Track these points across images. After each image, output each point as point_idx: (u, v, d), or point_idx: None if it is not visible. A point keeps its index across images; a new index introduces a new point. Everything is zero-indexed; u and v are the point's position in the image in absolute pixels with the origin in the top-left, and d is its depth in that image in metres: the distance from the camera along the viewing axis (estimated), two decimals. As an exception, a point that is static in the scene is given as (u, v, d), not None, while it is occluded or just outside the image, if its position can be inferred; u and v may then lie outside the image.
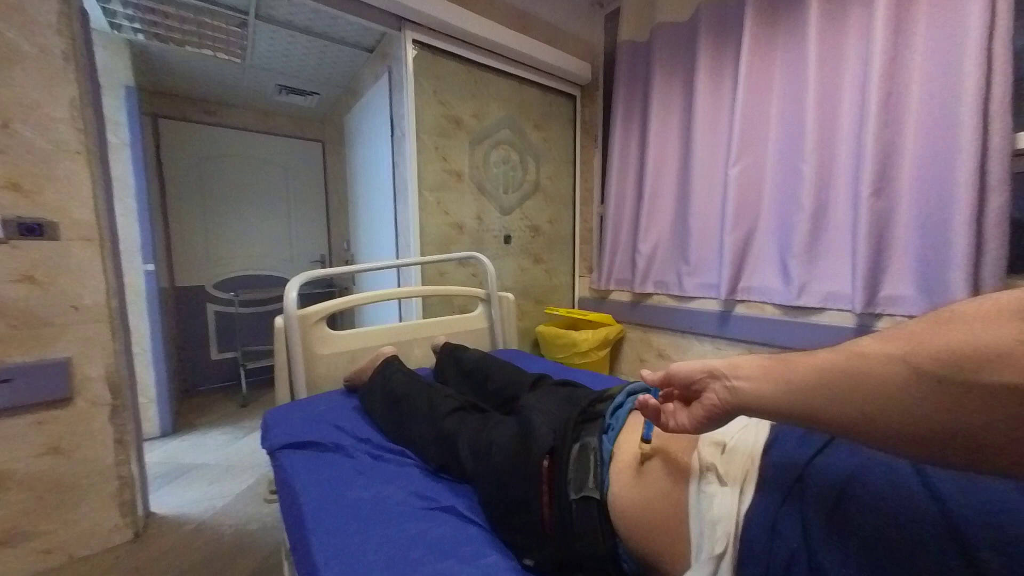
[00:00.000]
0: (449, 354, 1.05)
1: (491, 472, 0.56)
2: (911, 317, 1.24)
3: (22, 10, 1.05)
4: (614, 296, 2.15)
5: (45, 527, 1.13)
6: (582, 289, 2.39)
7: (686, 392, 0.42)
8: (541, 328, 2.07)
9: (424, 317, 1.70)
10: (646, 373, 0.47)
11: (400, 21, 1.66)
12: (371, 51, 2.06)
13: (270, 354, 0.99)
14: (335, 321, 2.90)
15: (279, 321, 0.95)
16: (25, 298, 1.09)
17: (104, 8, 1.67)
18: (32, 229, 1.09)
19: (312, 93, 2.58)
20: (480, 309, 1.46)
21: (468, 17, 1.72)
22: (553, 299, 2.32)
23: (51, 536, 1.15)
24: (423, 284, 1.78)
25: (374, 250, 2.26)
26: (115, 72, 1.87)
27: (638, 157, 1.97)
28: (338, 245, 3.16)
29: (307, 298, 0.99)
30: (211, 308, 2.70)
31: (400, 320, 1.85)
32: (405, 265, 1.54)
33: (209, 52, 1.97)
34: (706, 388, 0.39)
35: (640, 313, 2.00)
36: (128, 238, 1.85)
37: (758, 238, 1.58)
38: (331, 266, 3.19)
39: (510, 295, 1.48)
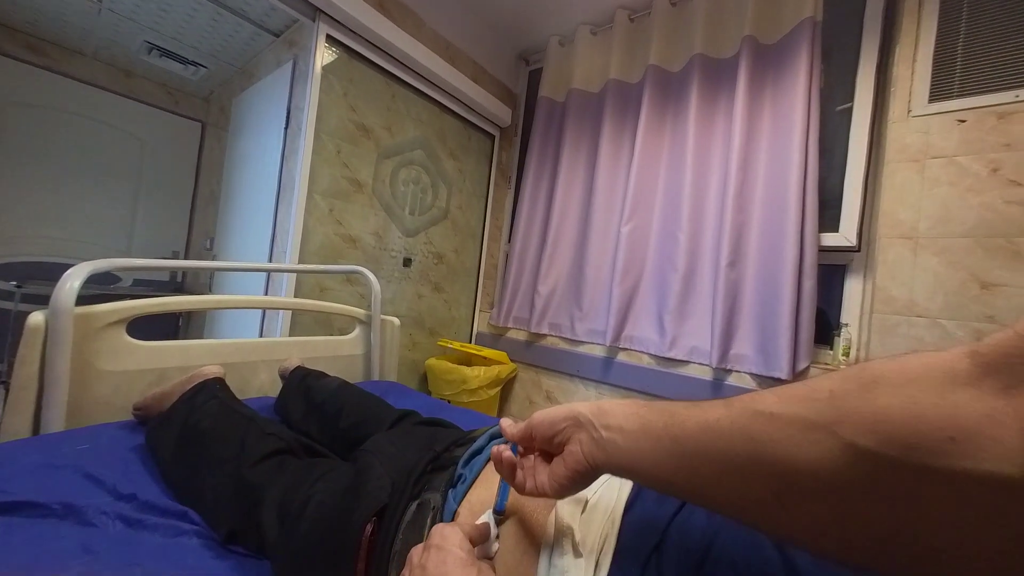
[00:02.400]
0: (299, 381, 0.85)
1: (294, 542, 0.41)
2: (754, 375, 1.45)
3: None
4: (511, 334, 2.14)
5: None
6: (481, 324, 2.33)
7: (548, 446, 0.35)
8: (431, 361, 1.92)
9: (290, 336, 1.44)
10: (506, 423, 0.40)
11: (315, 11, 1.52)
12: (277, 35, 1.86)
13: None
14: (170, 334, 2.35)
15: (35, 318, 0.66)
16: None
17: None
18: None
19: (196, 64, 2.21)
20: (357, 332, 1.28)
21: (392, 29, 1.66)
22: (449, 332, 2.21)
23: None
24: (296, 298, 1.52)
25: (244, 253, 1.91)
26: None
27: (545, 204, 2.06)
28: (199, 242, 2.64)
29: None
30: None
31: (266, 336, 1.54)
32: (262, 271, 1.29)
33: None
34: (569, 439, 0.33)
35: (534, 353, 2.00)
36: None
37: (641, 292, 1.72)
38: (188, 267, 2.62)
39: (395, 319, 1.33)
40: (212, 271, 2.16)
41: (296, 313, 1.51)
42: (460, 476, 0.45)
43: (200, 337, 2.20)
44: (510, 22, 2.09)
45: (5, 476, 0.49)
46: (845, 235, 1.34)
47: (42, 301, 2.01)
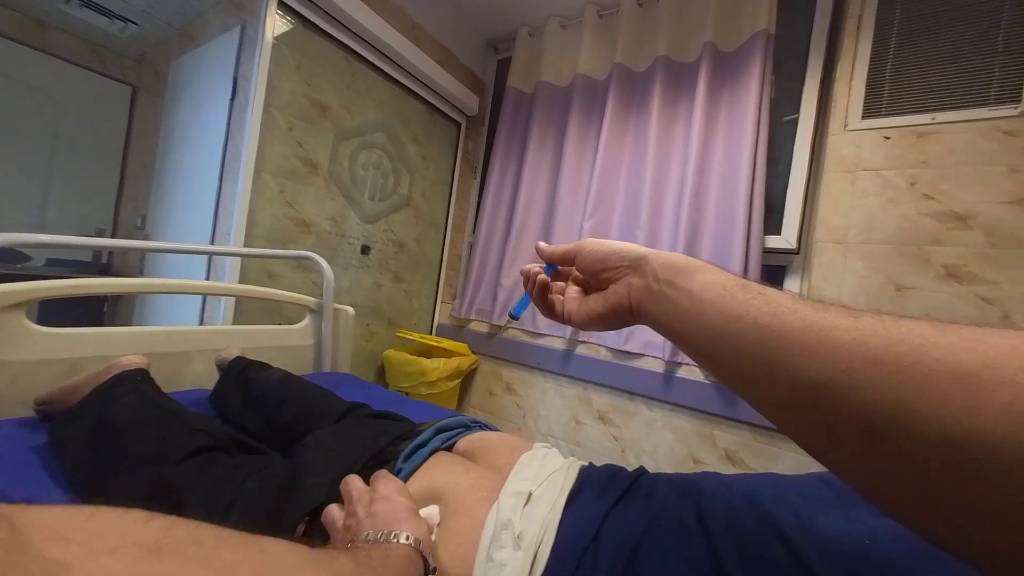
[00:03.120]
0: (238, 372, 0.79)
1: None
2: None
3: None
4: (473, 326, 2.12)
5: None
6: (443, 315, 2.29)
7: (591, 277, 0.33)
8: (389, 352, 1.87)
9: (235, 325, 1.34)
10: (542, 244, 0.38)
11: (266, -27, 1.40)
12: (223, -4, 1.70)
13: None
14: (94, 322, 2.13)
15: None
16: None
17: None
18: None
19: (125, 20, 1.97)
20: (308, 321, 1.21)
21: (352, 1, 1.57)
22: (410, 323, 2.16)
23: None
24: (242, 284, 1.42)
25: (181, 234, 1.75)
26: None
27: (511, 195, 2.05)
28: (130, 220, 2.39)
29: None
30: None
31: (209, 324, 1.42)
32: (199, 253, 1.18)
33: None
34: (619, 280, 0.31)
35: (495, 345, 2.00)
36: None
37: (600, 287, 1.76)
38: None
39: (349, 308, 1.28)
40: (143, 252, 1.97)
41: (241, 301, 1.41)
42: (399, 471, 0.43)
43: (131, 325, 2.00)
44: (480, 8, 2.04)
45: None
46: (787, 238, 1.43)
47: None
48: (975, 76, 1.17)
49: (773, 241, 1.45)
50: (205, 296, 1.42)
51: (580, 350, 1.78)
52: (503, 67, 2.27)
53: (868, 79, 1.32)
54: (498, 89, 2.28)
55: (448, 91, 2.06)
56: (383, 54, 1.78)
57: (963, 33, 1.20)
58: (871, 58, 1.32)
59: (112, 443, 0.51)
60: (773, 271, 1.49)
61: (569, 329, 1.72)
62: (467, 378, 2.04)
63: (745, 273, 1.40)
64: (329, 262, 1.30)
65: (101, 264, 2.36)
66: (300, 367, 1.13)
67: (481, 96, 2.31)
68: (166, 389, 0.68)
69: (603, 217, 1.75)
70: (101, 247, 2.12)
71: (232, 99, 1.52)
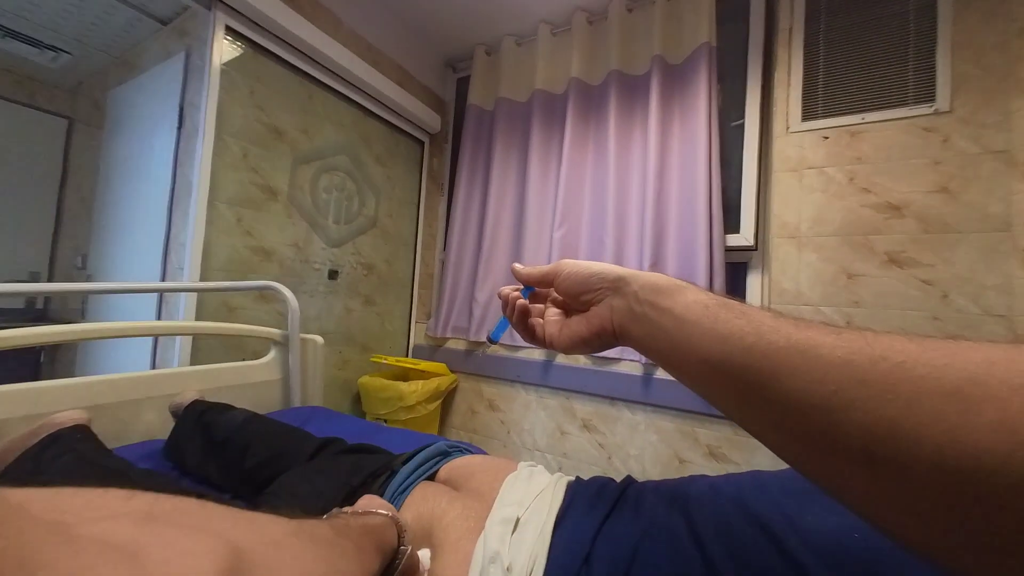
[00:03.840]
0: (196, 418, 0.72)
1: None
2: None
3: None
4: (450, 344, 2.08)
5: None
6: (418, 336, 2.24)
7: (571, 300, 0.33)
8: (364, 379, 1.80)
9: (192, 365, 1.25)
10: (519, 267, 0.38)
11: (210, -1, 1.36)
12: (165, 23, 1.63)
13: None
14: (28, 376, 1.95)
15: None
16: None
17: None
18: None
19: (56, 49, 1.86)
20: (273, 354, 1.15)
21: (304, 25, 1.55)
22: (384, 346, 2.09)
23: None
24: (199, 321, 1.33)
25: (127, 272, 1.63)
26: None
27: (479, 210, 2.05)
28: (68, 261, 2.21)
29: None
30: None
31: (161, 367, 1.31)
32: (147, 291, 1.10)
33: None
34: (600, 302, 0.30)
35: (474, 362, 1.97)
36: None
37: (575, 295, 1.78)
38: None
39: (318, 337, 1.22)
40: (84, 294, 1.81)
41: (198, 339, 1.32)
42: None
43: (72, 376, 1.83)
44: (435, 29, 2.06)
45: None
46: (745, 236, 1.50)
47: None
48: (893, 79, 1.29)
49: (733, 239, 1.51)
50: (157, 338, 1.32)
51: (560, 360, 1.77)
52: (463, 85, 2.29)
53: (804, 84, 1.42)
54: (459, 106, 2.30)
55: (409, 111, 2.06)
56: (339, 76, 1.76)
57: (879, 41, 1.32)
58: (804, 65, 1.43)
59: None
60: (736, 268, 1.56)
61: (547, 340, 1.72)
62: (447, 398, 1.99)
63: (711, 272, 1.45)
64: (295, 290, 1.24)
65: (36, 311, 2.17)
66: (268, 405, 1.06)
67: (443, 114, 2.32)
68: (112, 444, 0.61)
69: (572, 226, 1.77)
70: (34, 292, 1.95)
71: (180, 128, 1.45)
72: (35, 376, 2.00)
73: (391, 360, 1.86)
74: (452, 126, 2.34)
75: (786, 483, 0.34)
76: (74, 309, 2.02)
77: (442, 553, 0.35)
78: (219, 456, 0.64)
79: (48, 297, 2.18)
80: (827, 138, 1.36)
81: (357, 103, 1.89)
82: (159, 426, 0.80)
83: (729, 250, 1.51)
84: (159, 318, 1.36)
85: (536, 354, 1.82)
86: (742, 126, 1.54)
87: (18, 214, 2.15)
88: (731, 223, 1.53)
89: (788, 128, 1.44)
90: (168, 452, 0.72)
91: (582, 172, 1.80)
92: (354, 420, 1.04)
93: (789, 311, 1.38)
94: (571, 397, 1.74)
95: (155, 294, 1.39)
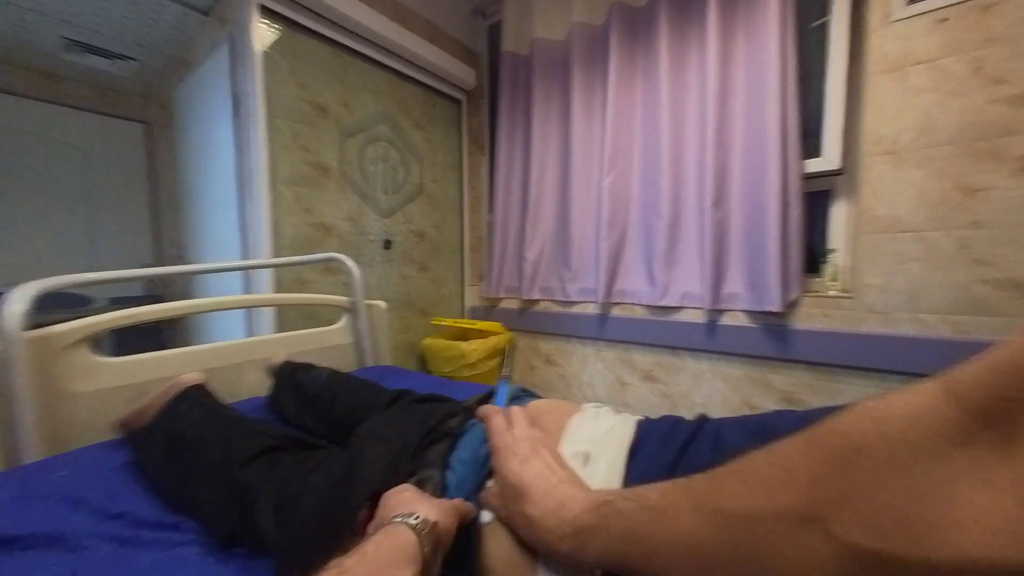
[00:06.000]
0: (288, 375, 0.83)
1: (292, 537, 0.40)
2: (747, 312, 1.46)
3: None
4: (504, 304, 2.12)
5: None
6: (472, 298, 2.30)
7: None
8: (427, 341, 1.91)
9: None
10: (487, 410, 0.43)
11: (241, -22, 1.38)
12: (206, 13, 1.69)
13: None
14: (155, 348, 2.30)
15: (-16, 349, 0.61)
16: None
17: None
18: None
19: (124, 57, 2.02)
20: (344, 320, 1.24)
21: (331, -9, 1.52)
22: (441, 309, 2.18)
23: None
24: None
25: (215, 256, 1.83)
26: None
27: (522, 166, 1.98)
28: (170, 250, 2.52)
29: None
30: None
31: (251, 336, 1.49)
32: (231, 269, 1.23)
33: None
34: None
35: (528, 320, 2.00)
36: None
37: (628, 244, 1.70)
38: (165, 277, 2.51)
39: (381, 303, 1.30)
40: (186, 277, 2.08)
41: (281, 309, 1.46)
42: (458, 444, 0.43)
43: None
44: (460, -29, 1.93)
45: (-16, 513, 0.46)
46: (828, 159, 1.31)
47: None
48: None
49: (813, 165, 1.33)
50: (249, 310, 1.48)
51: (615, 312, 1.74)
52: (495, 32, 2.16)
53: (910, -43, 1.14)
54: (493, 57, 2.18)
55: (442, 68, 1.99)
56: (371, 42, 1.73)
57: None
58: (911, -69, 1.14)
59: (184, 455, 0.55)
60: (817, 198, 1.38)
61: (601, 293, 1.68)
62: (502, 354, 2.06)
63: (785, 205, 1.29)
64: (355, 261, 1.32)
65: (155, 296, 2.53)
66: (345, 365, 1.17)
67: (477, 68, 2.22)
68: (226, 401, 0.72)
69: (621, 171, 1.66)
70: (143, 277, 2.26)
71: (235, 116, 1.54)
72: (160, 347, 2.38)
73: (450, 322, 1.94)
74: (488, 80, 2.24)
75: None
76: (181, 292, 2.33)
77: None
78: (312, 408, 0.73)
79: (162, 283, 2.53)
80: (946, 20, 1.09)
81: (391, 68, 1.86)
82: (259, 385, 0.92)
83: (807, 177, 1.33)
84: (246, 293, 1.52)
85: (590, 308, 1.80)
86: (825, 25, 1.29)
87: (123, 215, 2.47)
88: (809, 146, 1.33)
89: (889, 16, 1.18)
90: (271, 406, 0.83)
91: (630, 110, 1.65)
92: (422, 376, 1.11)
93: (883, 242, 1.20)
94: (629, 349, 1.71)
95: (240, 274, 1.55)
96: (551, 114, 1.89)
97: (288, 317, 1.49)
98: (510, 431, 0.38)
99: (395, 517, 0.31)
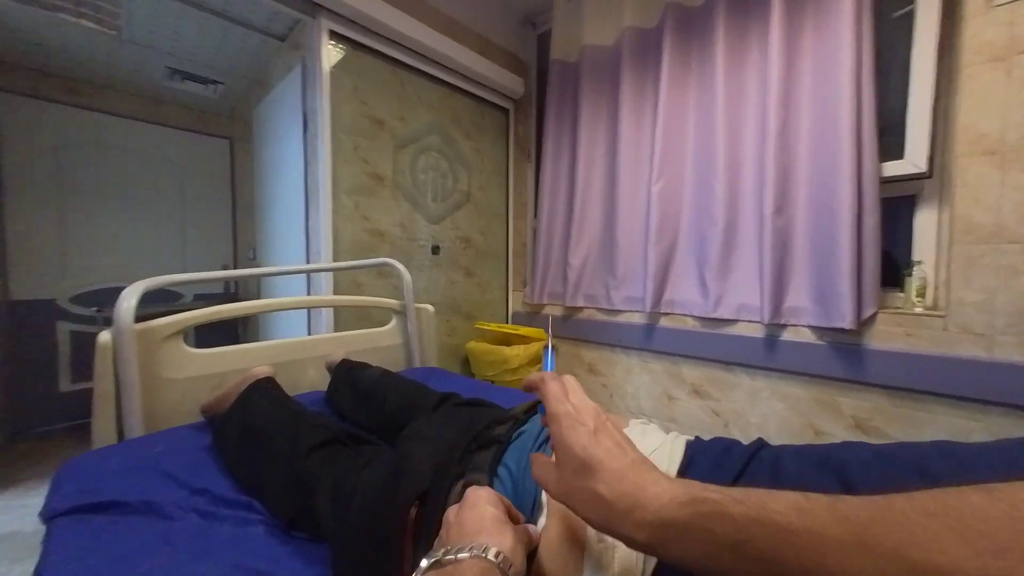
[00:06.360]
0: (345, 373, 0.89)
1: (346, 527, 0.43)
2: (813, 327, 1.34)
3: None
4: (547, 310, 2.12)
5: None
6: (515, 303, 2.32)
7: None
8: (471, 344, 1.95)
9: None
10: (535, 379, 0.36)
11: (314, 8, 1.51)
12: (283, 40, 1.87)
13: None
14: (231, 341, 2.55)
15: (103, 337, 0.72)
16: None
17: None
18: None
19: (214, 82, 2.28)
20: (394, 322, 1.31)
21: (392, 13, 1.62)
22: (485, 314, 2.22)
23: None
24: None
25: (283, 259, 2.00)
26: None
27: (568, 172, 1.98)
28: (245, 253, 2.79)
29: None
30: (63, 327, 2.19)
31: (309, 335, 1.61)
32: (297, 272, 1.34)
33: (69, 17, 1.64)
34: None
35: (572, 327, 1.98)
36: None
37: (679, 252, 1.63)
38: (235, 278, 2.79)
39: (429, 306, 1.35)
40: (258, 278, 2.29)
41: (338, 309, 1.57)
42: (507, 448, 0.44)
43: (257, 340, 2.37)
44: (511, -16, 1.98)
45: (95, 479, 0.55)
46: (912, 161, 1.18)
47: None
48: None
49: (893, 168, 1.20)
50: (309, 310, 1.61)
51: (663, 323, 1.67)
52: (543, 42, 2.18)
53: (1018, -68, 1.01)
54: (541, 66, 2.21)
55: (492, 79, 2.05)
56: (426, 58, 1.83)
57: None
58: (1021, -97, 1.00)
59: (255, 442, 0.61)
60: (896, 205, 1.24)
61: (648, 302, 1.62)
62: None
63: (859, 213, 1.18)
64: (405, 265, 1.39)
65: (231, 294, 2.82)
66: (394, 365, 1.23)
67: (525, 77, 2.26)
68: (290, 392, 0.79)
69: (672, 176, 1.60)
70: (220, 278, 2.51)
71: (305, 132, 1.68)
72: (235, 341, 2.64)
73: (493, 327, 1.97)
74: (535, 88, 2.27)
75: (991, 458, 0.26)
76: (253, 292, 2.57)
77: (561, 522, 0.37)
78: (365, 405, 0.78)
79: (237, 282, 2.82)
80: (1061, 2, 0.95)
81: (443, 81, 1.94)
82: (319, 379, 1.00)
83: (886, 182, 1.21)
84: (308, 294, 1.65)
85: (636, 318, 1.75)
86: (910, 15, 1.17)
87: (210, 220, 2.77)
88: (888, 148, 1.21)
89: (992, 0, 1.04)
90: (329, 400, 0.90)
91: (683, 112, 1.59)
92: (465, 379, 1.14)
93: (983, 253, 1.06)
94: (678, 362, 1.64)
95: (303, 275, 1.69)
96: (599, 120, 1.87)
97: (344, 316, 1.60)
98: (567, 399, 0.33)
99: (473, 548, 0.29)
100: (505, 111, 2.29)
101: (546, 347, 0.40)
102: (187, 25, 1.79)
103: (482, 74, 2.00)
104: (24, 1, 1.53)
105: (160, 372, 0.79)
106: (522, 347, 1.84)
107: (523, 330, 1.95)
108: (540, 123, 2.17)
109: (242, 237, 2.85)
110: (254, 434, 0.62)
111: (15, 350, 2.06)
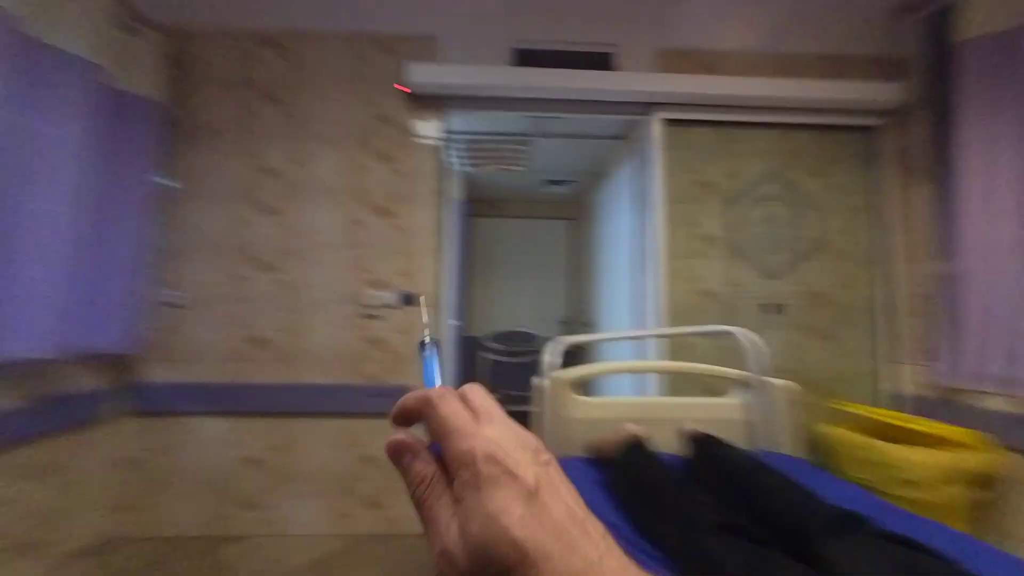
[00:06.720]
0: (704, 446, 0.90)
1: None
2: None
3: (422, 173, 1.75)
4: (970, 399, 1.38)
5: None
6: (903, 381, 1.66)
7: None
8: (834, 430, 1.53)
9: (665, 396, 1.59)
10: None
11: (649, 107, 1.78)
12: (622, 138, 2.29)
13: (523, 399, 1.14)
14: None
15: (538, 382, 1.09)
16: (400, 343, 1.69)
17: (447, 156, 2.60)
18: (407, 299, 1.71)
19: (570, 182, 3.10)
20: (735, 395, 1.22)
21: (717, 83, 1.68)
22: (845, 390, 1.71)
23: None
24: (667, 357, 1.67)
25: (609, 317, 2.34)
26: (451, 192, 2.83)
27: (1015, 189, 1.29)
28: (576, 315, 3.48)
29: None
30: (478, 355, 3.44)
31: (639, 395, 1.77)
32: (662, 336, 1.53)
33: (503, 167, 2.70)
34: None
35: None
36: (443, 301, 2.65)
37: None
38: (572, 330, 3.50)
39: (788, 382, 1.17)
40: (612, 340, 2.78)
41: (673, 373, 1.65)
42: None
43: (585, 392, 2.84)
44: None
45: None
46: None
47: (516, 355, 3.30)
48: None
49: None
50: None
51: None
52: (937, 21, 1.60)
53: None
54: (932, 56, 1.61)
55: (844, 100, 1.70)
56: (755, 108, 1.75)
57: None
58: None
59: (645, 497, 0.72)
60: None
61: None
62: (989, 489, 1.30)
63: None
64: (737, 326, 1.27)
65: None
66: (735, 443, 1.14)
67: (904, 77, 1.71)
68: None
69: None
70: (628, 338, 3.16)
71: (636, 207, 1.96)
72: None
73: (869, 411, 1.48)
74: (927, 86, 1.66)
75: None
76: (586, 350, 3.12)
77: None
78: (731, 488, 0.75)
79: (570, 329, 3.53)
80: None
81: (776, 124, 1.78)
82: (664, 442, 1.06)
83: None
84: (638, 356, 1.82)
85: None
86: None
87: (551, 285, 3.66)
88: None
89: None
90: (689, 471, 0.91)
91: None
92: (846, 485, 0.90)
93: None
94: None
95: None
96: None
97: (669, 381, 1.66)
98: (479, 428, 0.18)
99: None
100: (866, 130, 1.80)
101: (422, 343, 0.25)
102: (558, 150, 2.54)
103: (831, 99, 1.69)
104: (483, 166, 2.67)
105: (563, 412, 1.10)
106: (929, 452, 1.27)
107: (929, 425, 1.35)
108: (944, 128, 1.55)
109: (574, 296, 3.58)
110: (643, 490, 0.74)
111: (462, 370, 3.42)
